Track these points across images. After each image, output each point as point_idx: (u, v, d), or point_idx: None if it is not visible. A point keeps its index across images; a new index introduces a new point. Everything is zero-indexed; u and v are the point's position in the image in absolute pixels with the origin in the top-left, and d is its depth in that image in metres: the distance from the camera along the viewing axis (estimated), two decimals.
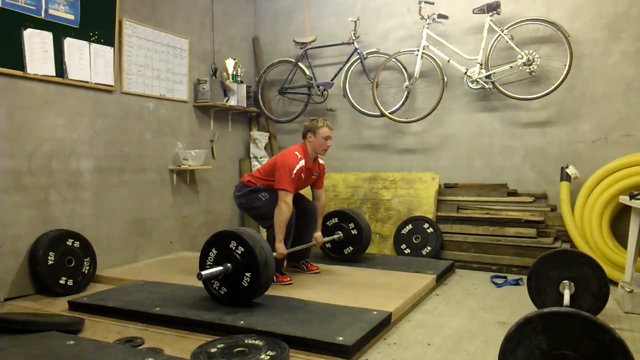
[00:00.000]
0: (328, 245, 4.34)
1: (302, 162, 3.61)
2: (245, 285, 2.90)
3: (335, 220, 4.31)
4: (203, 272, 2.86)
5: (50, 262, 3.49)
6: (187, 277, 3.73)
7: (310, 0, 5.65)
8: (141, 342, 2.57)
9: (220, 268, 2.92)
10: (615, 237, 4.18)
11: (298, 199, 3.76)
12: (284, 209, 3.49)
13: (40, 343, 2.41)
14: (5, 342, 2.42)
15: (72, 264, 3.62)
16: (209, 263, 3.03)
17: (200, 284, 3.50)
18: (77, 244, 3.70)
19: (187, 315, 2.79)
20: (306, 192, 4.00)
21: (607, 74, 4.35)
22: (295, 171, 3.54)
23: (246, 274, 2.90)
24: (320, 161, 3.93)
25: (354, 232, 4.23)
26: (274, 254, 3.26)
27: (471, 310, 3.23)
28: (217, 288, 3.00)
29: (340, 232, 4.27)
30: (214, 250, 3.01)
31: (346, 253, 4.28)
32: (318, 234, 3.98)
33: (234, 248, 2.94)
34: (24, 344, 2.39)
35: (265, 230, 3.77)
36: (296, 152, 3.64)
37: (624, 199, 3.43)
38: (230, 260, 2.94)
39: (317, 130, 3.70)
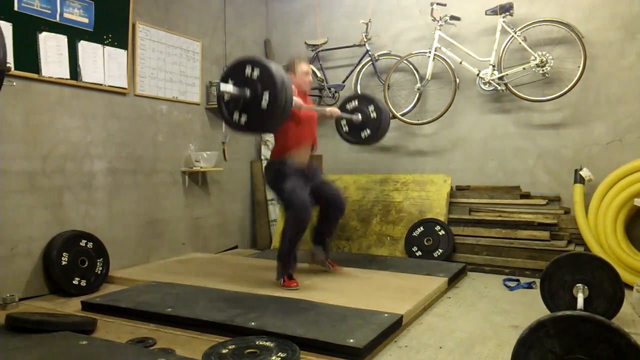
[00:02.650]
0: (345, 127, 4.28)
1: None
2: (265, 106, 2.79)
3: (355, 103, 4.29)
4: (222, 84, 2.80)
5: (64, 263, 3.53)
6: (199, 278, 3.75)
7: (322, 3, 5.66)
8: (153, 343, 2.58)
9: (238, 89, 2.84)
10: (630, 240, 4.13)
11: (323, 189, 3.78)
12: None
13: (53, 343, 2.43)
14: (19, 341, 2.45)
15: (86, 265, 3.66)
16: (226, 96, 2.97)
17: (211, 284, 3.53)
18: (90, 244, 3.74)
19: (199, 316, 2.80)
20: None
21: (622, 76, 4.30)
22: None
23: (264, 92, 2.80)
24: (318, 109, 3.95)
25: (374, 115, 4.20)
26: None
27: (483, 313, 3.20)
28: (237, 118, 2.90)
29: (359, 113, 4.23)
30: (230, 81, 2.91)
31: (363, 137, 4.26)
32: (332, 108, 3.98)
33: (249, 74, 2.85)
34: (38, 343, 2.42)
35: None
36: None
37: (639, 202, 3.38)
38: (248, 86, 2.85)
39: (295, 68, 3.69)
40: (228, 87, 2.83)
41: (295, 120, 3.56)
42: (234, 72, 2.91)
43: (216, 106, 4.95)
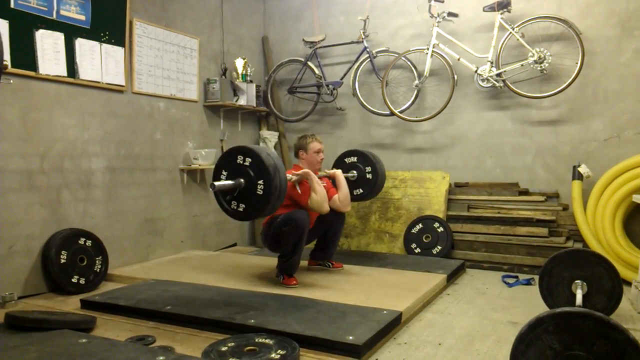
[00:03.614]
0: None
1: (300, 190, 3.62)
2: (261, 192, 2.86)
3: (354, 159, 4.34)
4: (216, 183, 2.85)
5: (62, 261, 3.52)
6: (198, 275, 3.75)
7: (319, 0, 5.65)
8: (152, 341, 2.58)
9: (232, 182, 2.90)
10: (629, 236, 4.14)
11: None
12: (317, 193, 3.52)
13: (52, 341, 2.43)
14: (19, 339, 2.45)
15: (84, 263, 3.66)
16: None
17: (211, 281, 3.54)
18: (89, 242, 3.73)
19: (198, 314, 2.81)
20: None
21: (620, 72, 4.31)
22: (300, 188, 3.58)
23: (259, 182, 2.86)
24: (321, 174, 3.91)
25: (369, 176, 4.27)
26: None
27: (482, 310, 3.21)
28: (235, 207, 2.96)
29: (355, 171, 4.29)
30: (224, 172, 2.97)
31: (355, 194, 4.30)
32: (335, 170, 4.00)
33: (242, 162, 2.91)
34: (37, 341, 2.42)
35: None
36: (291, 172, 3.63)
37: (637, 198, 3.39)
38: (242, 175, 2.91)
39: (307, 146, 3.79)
40: (224, 184, 2.89)
41: (299, 205, 3.59)
42: (227, 162, 2.98)
43: (214, 103, 5.00)
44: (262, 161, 2.86)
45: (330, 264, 4.02)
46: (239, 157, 2.93)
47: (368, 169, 4.30)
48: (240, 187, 2.90)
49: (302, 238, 3.45)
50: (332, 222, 3.87)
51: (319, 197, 3.52)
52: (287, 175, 3.18)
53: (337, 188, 3.86)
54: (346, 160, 4.39)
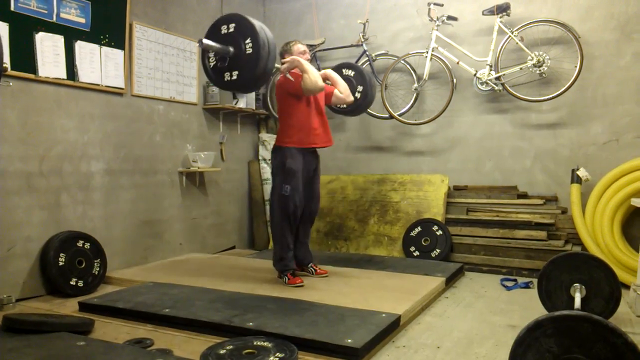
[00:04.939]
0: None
1: (292, 77, 3.57)
2: (250, 51, 2.86)
3: (351, 73, 4.35)
4: (204, 40, 2.91)
5: (61, 264, 3.52)
6: (197, 278, 3.75)
7: (319, 3, 5.66)
8: (151, 344, 2.58)
9: (219, 45, 2.93)
10: (627, 239, 4.14)
11: (311, 189, 3.77)
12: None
13: (50, 343, 2.43)
14: (17, 342, 2.45)
15: (83, 265, 3.65)
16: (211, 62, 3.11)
17: (209, 284, 3.53)
18: (87, 245, 3.73)
19: (197, 317, 2.80)
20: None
21: (619, 76, 4.31)
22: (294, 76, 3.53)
23: (246, 40, 2.88)
24: None
25: (358, 95, 4.27)
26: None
27: (481, 313, 3.21)
28: (229, 77, 2.98)
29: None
30: (213, 44, 2.99)
31: (338, 107, 4.38)
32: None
33: (226, 31, 2.95)
34: (35, 344, 2.42)
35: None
36: (286, 76, 3.61)
37: (636, 202, 3.40)
38: (228, 42, 2.94)
39: (291, 49, 3.67)
40: (210, 42, 2.92)
41: (295, 95, 3.57)
42: (212, 38, 2.99)
43: (213, 106, 5.00)
44: (246, 20, 2.87)
45: (313, 270, 3.85)
46: (222, 27, 2.96)
47: (360, 88, 4.29)
48: (229, 54, 2.92)
49: (286, 218, 3.56)
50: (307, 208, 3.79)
51: (310, 75, 3.45)
52: (276, 66, 3.19)
53: (334, 84, 3.85)
54: (343, 71, 4.36)
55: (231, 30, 2.93)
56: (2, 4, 3.30)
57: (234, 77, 2.97)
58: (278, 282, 3.61)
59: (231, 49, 2.93)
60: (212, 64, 3.16)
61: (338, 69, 4.34)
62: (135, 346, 2.52)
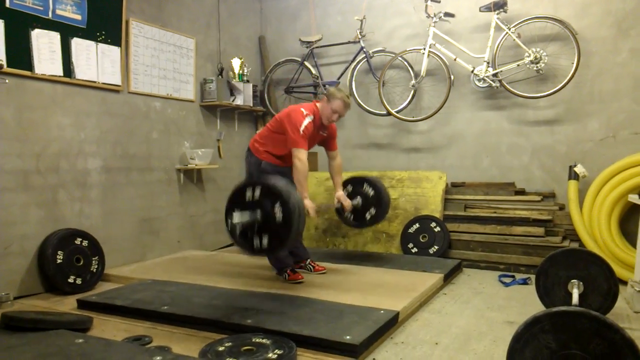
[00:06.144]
0: (349, 215, 4.16)
1: (309, 119, 3.47)
2: (280, 219, 2.68)
3: (349, 188, 4.17)
4: (234, 214, 2.68)
5: (59, 261, 3.51)
6: (195, 275, 3.75)
7: None
8: (149, 341, 2.58)
9: (247, 214, 2.72)
10: (624, 235, 4.15)
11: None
12: (299, 166, 3.36)
13: (49, 341, 2.42)
14: (15, 340, 2.44)
15: (81, 263, 3.65)
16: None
17: (207, 281, 3.53)
18: (85, 243, 3.72)
19: (195, 314, 2.80)
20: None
21: (616, 72, 4.32)
22: (303, 128, 3.41)
23: (275, 207, 2.69)
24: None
25: (372, 192, 4.06)
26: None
27: (479, 309, 3.22)
28: (259, 243, 2.75)
29: (358, 196, 4.10)
30: (236, 213, 2.78)
31: (368, 217, 4.12)
32: (340, 193, 3.81)
33: (251, 196, 2.74)
34: (33, 342, 2.41)
35: None
36: (302, 109, 3.50)
37: (633, 198, 3.40)
38: (255, 208, 2.73)
39: (332, 98, 3.51)
40: (241, 217, 2.72)
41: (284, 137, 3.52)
42: (237, 202, 2.80)
43: (210, 103, 4.99)
44: (272, 187, 2.71)
45: (311, 267, 3.85)
46: (247, 191, 2.76)
47: (373, 210, 4.09)
48: (257, 220, 2.73)
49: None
50: None
51: (302, 188, 3.36)
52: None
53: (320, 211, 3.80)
54: (364, 186, 4.15)
55: (256, 195, 2.72)
56: None
57: (264, 244, 2.74)
58: (276, 279, 3.61)
59: (259, 213, 2.72)
60: (239, 231, 2.82)
61: (360, 181, 4.16)
62: (134, 343, 2.51)
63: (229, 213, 2.80)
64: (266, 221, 2.72)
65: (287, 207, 2.67)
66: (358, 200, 4.09)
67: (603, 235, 4.01)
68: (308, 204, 3.35)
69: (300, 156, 3.39)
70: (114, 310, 3.03)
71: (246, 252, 2.83)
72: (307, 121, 3.44)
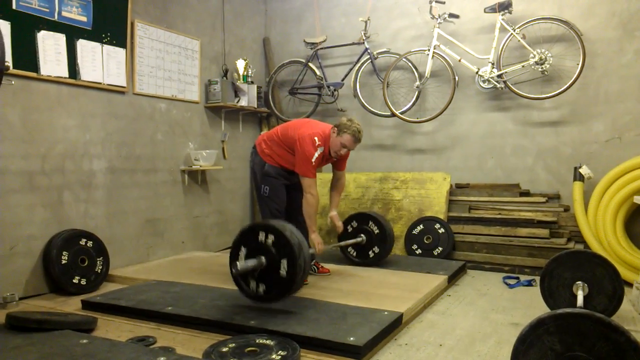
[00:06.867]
0: (352, 251, 4.23)
1: (320, 150, 3.48)
2: (284, 274, 2.68)
3: (354, 224, 4.18)
4: (238, 263, 2.67)
5: (63, 262, 3.53)
6: (199, 276, 3.75)
7: (321, 1, 5.66)
8: (153, 341, 2.58)
9: (254, 261, 2.71)
10: (630, 237, 4.14)
11: (296, 196, 3.67)
12: (311, 201, 3.44)
13: (53, 341, 2.43)
14: (20, 340, 2.45)
15: (85, 264, 3.66)
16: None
17: (211, 282, 3.53)
18: (90, 243, 3.74)
19: (199, 315, 2.80)
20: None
21: (621, 73, 4.30)
22: (314, 159, 3.45)
23: (282, 261, 2.68)
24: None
25: (377, 230, 4.08)
26: (311, 250, 3.22)
27: (483, 311, 3.21)
28: (255, 288, 2.79)
29: (362, 235, 4.12)
30: (243, 249, 2.80)
31: (371, 255, 4.12)
32: (334, 214, 3.80)
33: (263, 240, 2.72)
34: (38, 342, 2.42)
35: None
36: (315, 138, 3.48)
37: (639, 199, 3.39)
38: (262, 253, 2.73)
39: (342, 132, 3.48)
40: (247, 264, 2.70)
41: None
42: (247, 239, 2.79)
43: (215, 104, 5.00)
44: (286, 240, 2.67)
45: (315, 268, 3.83)
46: (260, 234, 2.74)
47: (376, 249, 4.09)
48: (261, 267, 2.72)
49: (271, 216, 3.57)
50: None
51: (309, 208, 3.47)
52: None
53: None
54: (347, 228, 4.16)
55: (269, 241, 2.70)
56: (4, 2, 3.30)
57: (260, 291, 2.76)
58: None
59: (264, 260, 2.72)
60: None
61: (366, 218, 4.15)
62: (138, 344, 2.52)
63: (235, 250, 2.82)
64: (270, 271, 2.74)
65: (294, 263, 2.67)
66: (362, 238, 4.12)
67: (608, 237, 3.99)
68: (315, 238, 3.47)
69: (312, 191, 3.47)
70: (119, 310, 3.04)
71: (242, 294, 2.86)
72: (318, 153, 3.49)
